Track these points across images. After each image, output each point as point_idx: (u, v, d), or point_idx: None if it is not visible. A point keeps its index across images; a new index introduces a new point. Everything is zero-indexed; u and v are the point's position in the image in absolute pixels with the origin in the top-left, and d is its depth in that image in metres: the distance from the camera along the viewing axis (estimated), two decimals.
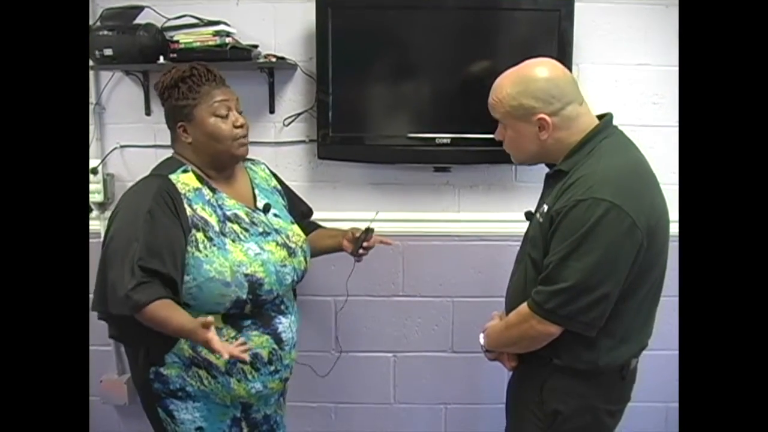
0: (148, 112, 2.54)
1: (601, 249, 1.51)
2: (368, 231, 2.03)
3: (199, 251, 1.73)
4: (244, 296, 1.76)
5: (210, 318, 1.59)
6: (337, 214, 2.55)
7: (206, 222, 1.76)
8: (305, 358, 2.57)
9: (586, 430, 1.70)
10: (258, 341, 1.83)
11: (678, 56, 1.36)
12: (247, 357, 1.64)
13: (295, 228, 1.98)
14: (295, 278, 1.91)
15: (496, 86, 1.68)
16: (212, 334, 1.57)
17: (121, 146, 2.59)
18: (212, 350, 1.59)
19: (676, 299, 2.44)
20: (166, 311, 1.65)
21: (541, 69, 1.64)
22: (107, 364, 2.66)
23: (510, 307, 1.75)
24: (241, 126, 1.83)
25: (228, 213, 1.81)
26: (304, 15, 2.45)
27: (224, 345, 1.59)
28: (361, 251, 2.03)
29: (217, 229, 1.77)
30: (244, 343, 1.66)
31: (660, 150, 2.54)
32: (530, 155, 1.70)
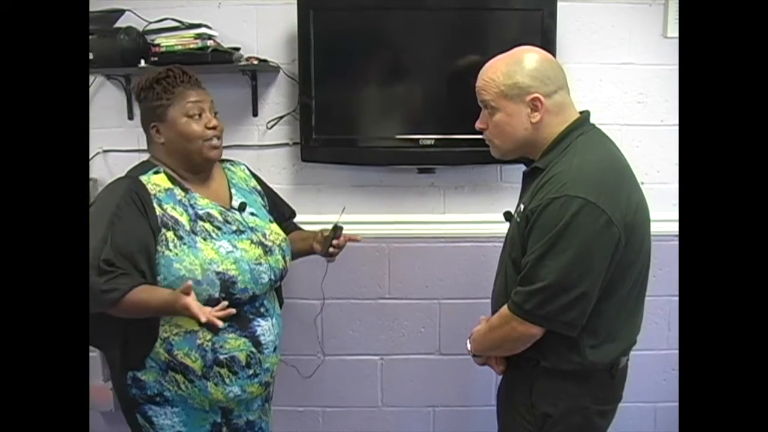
0: (130, 116, 2.53)
1: (576, 246, 1.50)
2: (336, 229, 1.99)
3: (170, 250, 1.72)
4: (217, 295, 1.74)
5: (188, 282, 1.61)
6: (321, 216, 2.53)
7: (176, 221, 1.75)
8: (291, 362, 2.56)
9: None
10: (235, 344, 1.80)
11: (678, 55, 1.34)
12: (220, 324, 1.61)
13: (273, 226, 1.95)
14: (273, 277, 1.88)
15: (487, 68, 1.66)
16: (191, 300, 1.58)
17: (104, 151, 2.58)
18: (191, 316, 1.58)
19: (664, 299, 2.50)
20: (147, 293, 1.66)
21: (535, 53, 1.65)
22: (92, 370, 2.62)
23: (495, 309, 1.73)
24: (214, 128, 1.82)
25: (200, 212, 1.80)
26: (287, 17, 2.44)
27: (202, 308, 1.58)
28: (331, 250, 1.99)
29: (187, 227, 1.75)
30: (225, 308, 1.65)
31: (645, 148, 2.56)
32: (516, 142, 1.66)
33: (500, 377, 1.84)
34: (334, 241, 1.98)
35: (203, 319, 1.56)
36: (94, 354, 2.60)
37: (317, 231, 2.05)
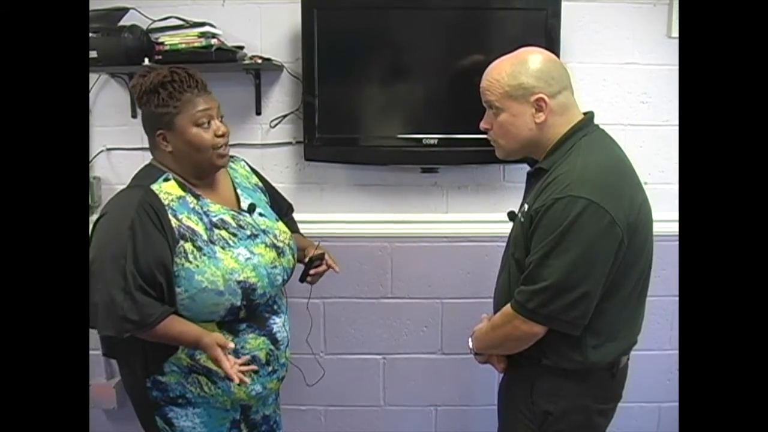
0: (134, 115, 2.52)
1: (579, 247, 1.51)
2: (312, 260, 2.00)
3: (189, 262, 1.70)
4: (238, 303, 1.74)
5: (231, 344, 1.70)
6: (324, 215, 2.56)
7: (193, 231, 1.73)
8: (294, 361, 2.55)
9: (577, 430, 1.70)
10: (255, 344, 1.81)
11: (678, 55, 1.34)
12: (248, 380, 1.72)
13: (281, 225, 1.95)
14: (285, 278, 1.90)
15: (492, 68, 1.66)
16: (221, 354, 1.66)
17: (108, 149, 2.58)
18: (220, 368, 1.68)
19: (666, 299, 2.50)
20: (179, 326, 1.70)
21: (539, 53, 1.65)
22: (95, 368, 2.64)
23: (497, 308, 1.74)
24: (223, 135, 1.78)
25: (214, 219, 1.78)
26: (291, 16, 2.44)
27: (234, 369, 1.66)
28: (309, 279, 2.02)
29: (205, 237, 1.73)
30: (246, 363, 1.73)
31: (649, 148, 2.56)
32: (520, 142, 1.66)
33: (502, 376, 1.85)
34: (312, 271, 2.00)
35: (236, 380, 1.66)
36: (97, 352, 2.60)
37: (306, 247, 2.05)
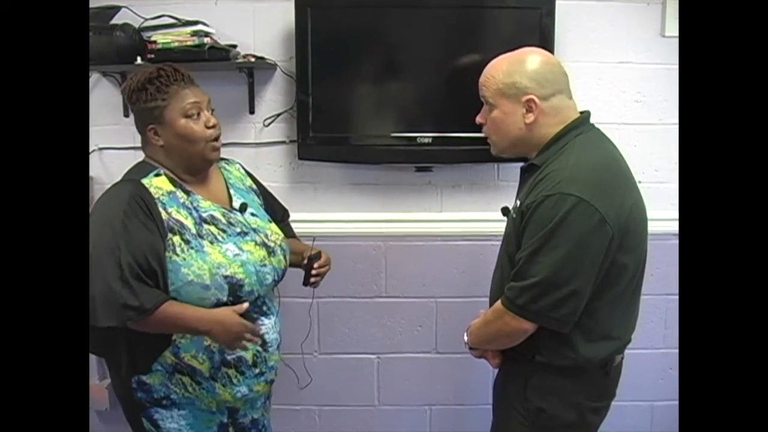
0: (126, 114, 2.51)
1: (569, 244, 1.51)
2: (311, 259, 1.99)
3: (177, 255, 1.70)
4: (225, 298, 1.74)
5: (245, 305, 1.74)
6: (318, 215, 2.56)
7: (182, 225, 1.73)
8: (288, 361, 2.55)
9: (570, 428, 1.70)
10: None
11: (678, 53, 1.34)
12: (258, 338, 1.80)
13: (273, 227, 1.95)
14: (276, 278, 1.89)
15: (491, 65, 1.68)
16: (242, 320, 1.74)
17: (100, 148, 2.57)
18: (251, 332, 1.75)
19: (660, 298, 2.50)
20: (178, 307, 1.69)
21: (539, 55, 1.67)
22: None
23: (492, 305, 1.74)
24: (214, 126, 1.79)
25: (204, 215, 1.78)
26: (284, 15, 2.44)
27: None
28: (312, 280, 2.00)
29: (193, 231, 1.73)
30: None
31: (643, 147, 2.56)
32: (511, 140, 1.67)
33: (496, 373, 1.85)
34: (313, 271, 1.99)
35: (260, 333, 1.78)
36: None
37: (306, 250, 2.04)
